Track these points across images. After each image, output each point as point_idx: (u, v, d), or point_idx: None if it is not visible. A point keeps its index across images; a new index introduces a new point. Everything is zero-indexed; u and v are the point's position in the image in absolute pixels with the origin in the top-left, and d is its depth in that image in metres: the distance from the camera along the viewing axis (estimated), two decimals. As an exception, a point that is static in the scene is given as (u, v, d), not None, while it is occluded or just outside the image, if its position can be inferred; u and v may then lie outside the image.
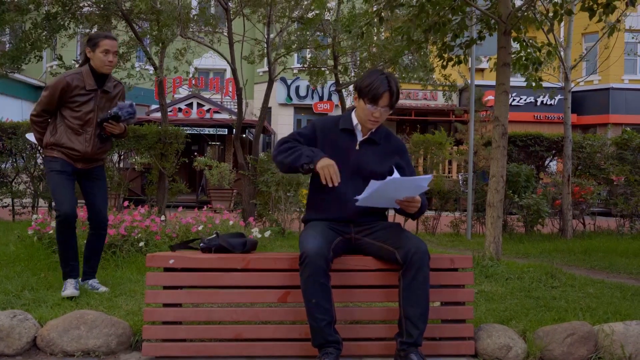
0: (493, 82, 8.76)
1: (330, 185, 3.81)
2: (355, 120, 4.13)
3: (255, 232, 7.79)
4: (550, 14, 7.67)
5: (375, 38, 13.98)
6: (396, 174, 3.75)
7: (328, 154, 3.95)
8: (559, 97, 28.64)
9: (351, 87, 14.37)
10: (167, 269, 3.99)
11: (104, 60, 5.18)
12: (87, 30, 14.75)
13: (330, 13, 14.51)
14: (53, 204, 4.86)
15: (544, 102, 31.74)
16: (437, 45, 8.79)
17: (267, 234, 8.16)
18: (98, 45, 5.17)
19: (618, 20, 7.65)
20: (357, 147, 4.09)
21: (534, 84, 8.52)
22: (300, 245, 3.76)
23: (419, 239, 3.85)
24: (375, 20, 8.31)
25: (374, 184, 3.67)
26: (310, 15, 13.80)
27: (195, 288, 4.06)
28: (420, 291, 3.71)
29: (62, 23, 12.54)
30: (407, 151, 4.27)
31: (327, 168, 3.80)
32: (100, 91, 5.26)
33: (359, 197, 3.79)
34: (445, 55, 8.67)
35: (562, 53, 12.41)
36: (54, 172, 5.13)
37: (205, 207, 9.15)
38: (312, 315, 3.66)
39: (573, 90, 13.29)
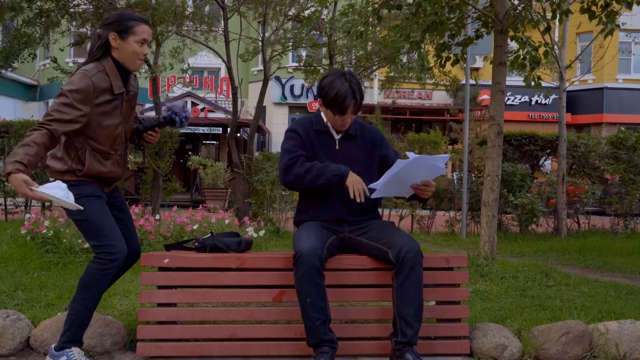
0: (489, 82, 8.77)
1: (358, 200, 3.83)
2: (325, 118, 4.15)
3: (250, 232, 7.79)
4: (549, 15, 7.67)
5: (371, 35, 13.97)
6: (413, 155, 3.70)
7: (311, 156, 4.01)
8: (553, 96, 28.70)
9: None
10: (161, 269, 3.98)
11: (138, 52, 3.80)
12: (80, 29, 14.72)
13: (326, 11, 14.50)
14: (93, 242, 3.68)
15: (539, 101, 31.82)
16: (434, 45, 8.79)
17: (261, 233, 8.16)
18: (133, 32, 3.76)
19: (617, 25, 7.64)
20: (337, 147, 4.09)
21: (533, 83, 8.50)
22: (294, 244, 3.77)
23: (411, 237, 3.85)
24: (373, 19, 8.27)
25: (399, 164, 3.69)
26: (306, 13, 13.77)
27: (190, 288, 4.06)
28: (414, 290, 3.71)
29: (54, 20, 12.48)
30: (384, 137, 4.29)
31: (357, 184, 3.84)
32: (125, 94, 3.93)
33: (374, 186, 3.80)
34: (444, 55, 8.67)
35: (556, 52, 12.43)
36: (91, 197, 3.73)
37: (200, 206, 9.13)
38: (306, 315, 3.66)
39: (567, 89, 13.30)
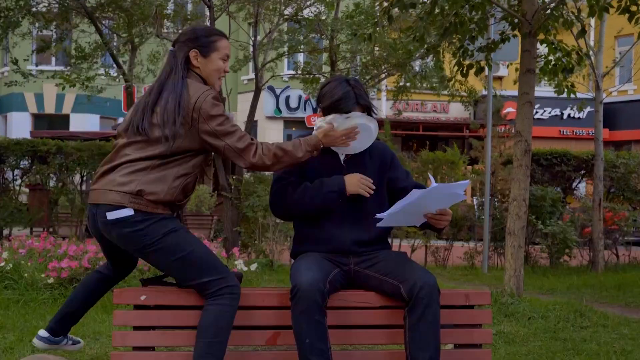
0: (514, 92, 8.78)
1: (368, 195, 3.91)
2: None
3: (239, 265, 7.80)
4: (583, 15, 7.67)
5: (378, 37, 14.03)
6: (433, 182, 3.74)
7: (314, 179, 4.04)
8: (588, 109, 28.73)
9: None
10: (137, 307, 3.98)
11: (221, 69, 3.97)
12: (44, 31, 14.80)
13: (325, 10, 14.55)
14: (210, 278, 3.73)
15: (572, 115, 31.85)
16: (452, 49, 8.75)
17: (253, 266, 8.17)
18: (216, 49, 3.93)
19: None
20: (344, 164, 4.11)
21: (565, 90, 8.44)
22: (292, 277, 3.76)
23: (427, 271, 3.84)
24: (384, 20, 8.23)
25: (414, 194, 3.71)
26: (305, 13, 13.84)
27: (171, 329, 4.05)
28: (430, 332, 3.69)
29: (14, 20, 12.53)
30: (394, 155, 4.32)
31: (360, 183, 3.92)
32: None
33: (383, 216, 3.82)
34: (465, 63, 8.61)
35: (592, 58, 12.46)
36: (188, 231, 3.87)
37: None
38: (305, 358, 3.65)
39: (605, 101, 13.34)
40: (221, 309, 3.67)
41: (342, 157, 4.12)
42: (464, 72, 8.70)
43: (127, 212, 3.63)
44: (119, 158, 3.74)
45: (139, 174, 3.66)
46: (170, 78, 3.82)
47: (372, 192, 3.92)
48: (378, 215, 3.85)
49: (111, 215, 3.64)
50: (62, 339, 4.17)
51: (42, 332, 4.09)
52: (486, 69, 8.72)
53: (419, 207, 3.84)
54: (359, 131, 3.94)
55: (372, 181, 3.95)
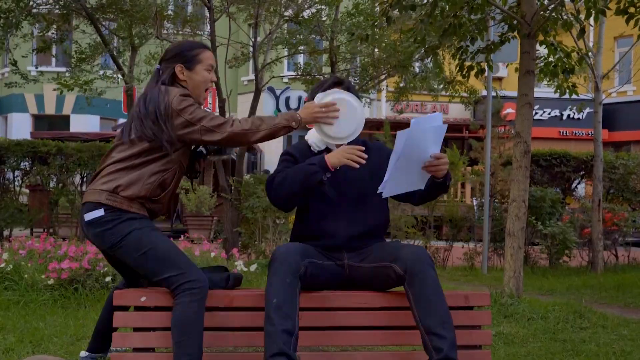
0: (513, 93, 8.77)
1: (361, 162, 3.86)
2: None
3: (239, 266, 7.80)
4: (581, 16, 7.67)
5: (377, 38, 14.03)
6: (415, 120, 3.68)
7: None
8: (587, 110, 28.75)
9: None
10: (138, 308, 3.98)
11: (208, 80, 4.16)
12: (44, 33, 14.79)
13: (327, 10, 14.55)
14: (169, 274, 3.78)
15: (571, 116, 31.83)
16: (451, 51, 8.75)
17: (253, 267, 8.17)
18: (200, 61, 4.12)
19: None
20: (338, 168, 4.11)
21: (567, 91, 8.42)
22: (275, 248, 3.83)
23: (416, 246, 3.87)
24: (383, 21, 8.22)
25: (400, 136, 3.65)
26: (305, 14, 13.84)
27: (170, 330, 4.05)
28: (434, 296, 3.68)
29: (15, 21, 12.53)
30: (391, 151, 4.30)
31: (345, 153, 3.88)
32: None
33: (384, 185, 3.79)
34: (466, 64, 8.61)
35: (591, 60, 12.46)
36: (153, 229, 3.94)
37: (181, 236, 9.15)
38: (269, 319, 3.59)
39: (604, 102, 13.34)
40: (181, 308, 3.72)
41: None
42: (465, 74, 8.71)
43: (99, 213, 3.80)
44: (107, 161, 3.93)
45: (120, 173, 3.85)
46: (155, 89, 3.97)
47: (363, 161, 3.87)
48: (379, 188, 3.83)
49: (88, 217, 3.82)
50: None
51: (83, 353, 4.27)
52: (487, 69, 8.72)
53: (412, 157, 3.79)
54: (338, 107, 3.98)
55: (362, 149, 3.89)
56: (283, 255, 3.69)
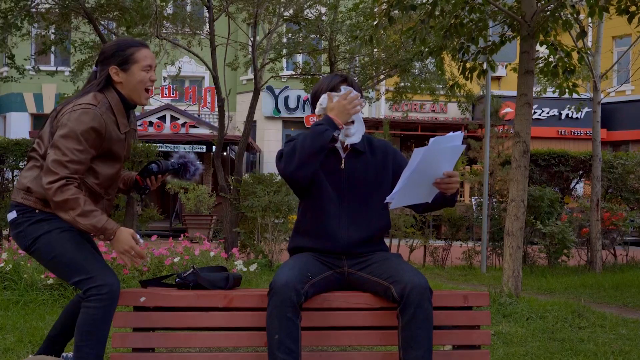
0: (511, 92, 8.76)
1: (359, 108, 3.92)
2: None
3: (239, 265, 7.80)
4: (582, 16, 7.67)
5: (379, 39, 14.03)
6: (420, 150, 3.66)
7: (314, 178, 4.00)
8: (586, 109, 28.75)
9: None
10: (137, 308, 3.98)
11: (145, 80, 3.85)
12: (44, 31, 14.79)
13: (326, 11, 14.54)
14: (77, 278, 3.66)
15: (570, 115, 31.83)
16: (452, 51, 8.72)
17: (252, 267, 8.17)
18: (135, 60, 3.82)
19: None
20: (343, 166, 4.11)
21: (567, 90, 8.40)
22: (274, 275, 3.78)
23: (418, 272, 3.82)
24: (384, 20, 8.17)
25: (417, 153, 3.63)
26: (305, 13, 13.84)
27: (170, 330, 4.05)
28: (421, 331, 3.67)
29: (14, 21, 12.53)
30: (397, 151, 4.29)
31: (348, 105, 3.90)
32: (127, 133, 3.95)
33: (392, 195, 3.75)
34: (468, 65, 8.61)
35: (590, 60, 12.47)
36: (63, 230, 3.74)
37: (181, 236, 9.15)
38: (272, 354, 3.61)
39: (603, 101, 13.35)
40: (85, 311, 3.65)
41: (342, 155, 4.10)
42: (468, 75, 8.69)
43: (12, 215, 3.73)
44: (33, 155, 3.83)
45: (32, 171, 3.74)
46: (83, 92, 3.82)
47: (363, 105, 3.91)
48: (388, 198, 3.79)
49: (8, 217, 3.75)
50: None
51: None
52: (488, 69, 8.71)
53: (425, 173, 3.78)
54: (357, 94, 3.97)
55: (358, 95, 3.93)
56: (282, 289, 3.62)
